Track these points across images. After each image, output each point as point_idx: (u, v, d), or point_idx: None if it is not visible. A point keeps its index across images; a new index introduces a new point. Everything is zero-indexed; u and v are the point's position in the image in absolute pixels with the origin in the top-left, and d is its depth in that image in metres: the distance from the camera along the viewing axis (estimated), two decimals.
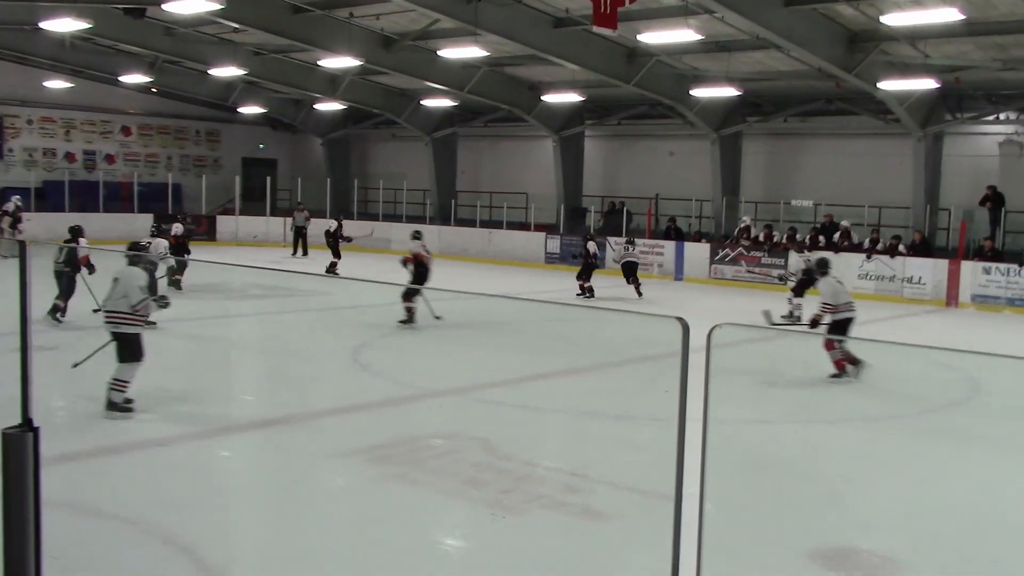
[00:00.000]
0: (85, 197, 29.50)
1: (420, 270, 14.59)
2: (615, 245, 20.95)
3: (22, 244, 2.85)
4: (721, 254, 23.42)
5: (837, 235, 22.21)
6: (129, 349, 8.48)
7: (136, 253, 10.14)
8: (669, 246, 24.42)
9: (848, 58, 18.79)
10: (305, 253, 27.13)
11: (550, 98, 25.48)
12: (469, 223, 29.24)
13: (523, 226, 27.99)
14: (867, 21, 17.49)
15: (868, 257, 20.98)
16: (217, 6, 17.33)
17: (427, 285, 14.41)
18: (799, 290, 16.42)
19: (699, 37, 18.29)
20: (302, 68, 27.06)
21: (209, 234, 29.95)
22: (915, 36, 17.69)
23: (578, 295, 19.12)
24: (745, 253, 23.00)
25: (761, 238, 23.22)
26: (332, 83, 28.36)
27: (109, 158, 32.73)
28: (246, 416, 9.16)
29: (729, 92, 21.87)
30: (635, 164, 28.56)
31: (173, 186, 31.81)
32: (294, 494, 6.70)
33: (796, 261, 17.46)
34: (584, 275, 19.47)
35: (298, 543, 5.78)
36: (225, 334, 14.17)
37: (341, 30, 21.69)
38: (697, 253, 23.88)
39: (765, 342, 13.80)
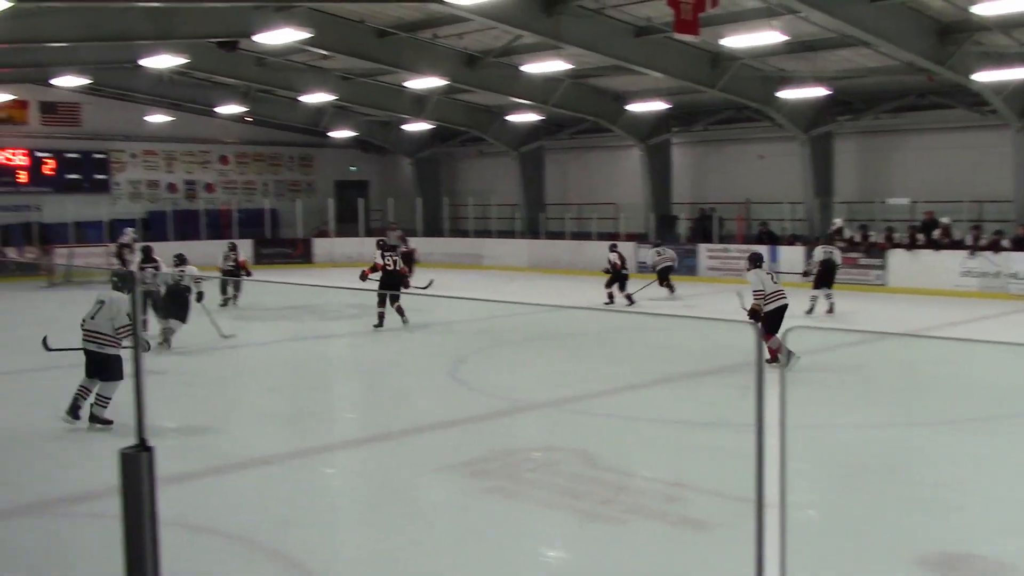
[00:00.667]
0: (187, 225, 30.56)
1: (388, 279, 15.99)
2: (650, 252, 21.03)
3: (132, 274, 3.00)
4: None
5: (937, 232, 21.60)
6: (111, 370, 8.90)
7: (119, 275, 10.52)
8: (762, 250, 24.03)
9: (939, 51, 18.30)
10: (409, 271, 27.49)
11: (635, 107, 25.42)
12: (558, 236, 29.32)
13: (613, 236, 27.93)
14: (957, 12, 17.03)
15: (971, 254, 20.35)
16: (305, 35, 17.81)
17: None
18: (818, 282, 17.63)
19: (784, 38, 18.04)
20: (389, 90, 27.55)
21: (305, 256, 30.68)
22: (1009, 25, 17.15)
23: (606, 303, 18.92)
24: (842, 255, 22.49)
25: (857, 239, 22.70)
26: (419, 103, 28.81)
27: (209, 187, 33.85)
28: (348, 433, 9.36)
29: (817, 92, 21.51)
30: (724, 169, 28.26)
31: (270, 211, 32.70)
32: (396, 509, 6.82)
33: (817, 252, 18.19)
34: (612, 283, 19.11)
35: (402, 557, 5.88)
36: (324, 353, 14.48)
37: (425, 51, 22.05)
38: (791, 257, 23.45)
39: (861, 345, 13.51)
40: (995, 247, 20.16)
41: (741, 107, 24.89)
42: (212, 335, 14.12)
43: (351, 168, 37.20)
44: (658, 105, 24.77)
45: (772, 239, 24.65)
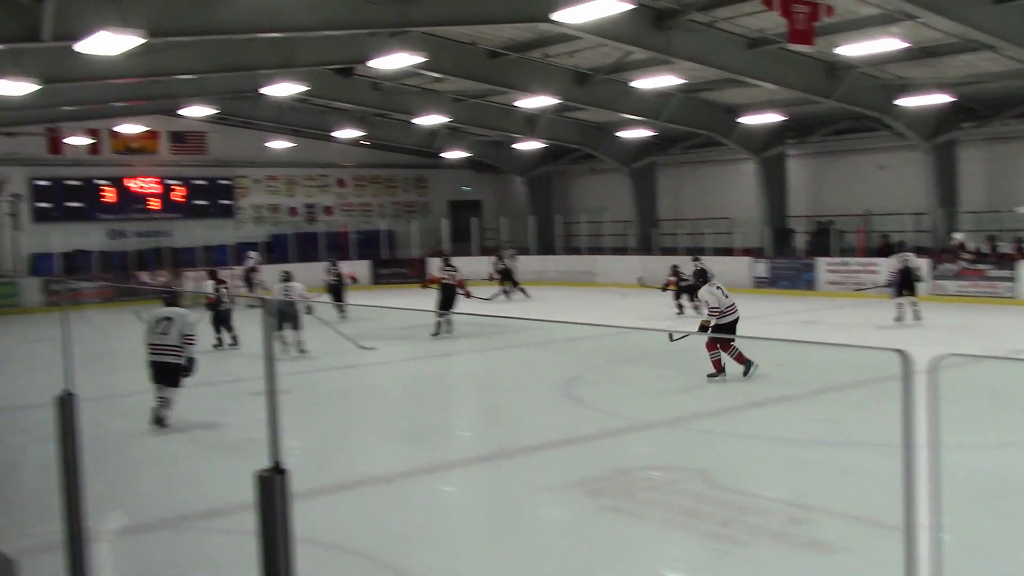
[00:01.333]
0: (307, 247, 31.46)
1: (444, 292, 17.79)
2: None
3: (262, 299, 3.13)
4: (941, 269, 22.19)
5: None
6: (175, 377, 10.27)
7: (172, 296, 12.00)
8: (884, 263, 23.37)
9: None
10: (522, 291, 27.74)
11: (748, 120, 25.06)
12: (672, 251, 29.07)
13: (728, 251, 27.58)
14: None
15: None
16: (419, 58, 18.17)
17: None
18: (899, 289, 17.97)
19: (903, 44, 17.53)
20: (501, 110, 27.86)
21: (420, 276, 31.14)
22: None
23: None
24: (968, 267, 21.70)
25: (984, 250, 21.84)
26: (530, 122, 29.04)
27: (327, 209, 34.80)
28: (465, 451, 9.48)
29: (940, 99, 20.82)
30: (841, 180, 27.58)
31: (386, 232, 33.38)
32: (514, 527, 6.87)
33: (891, 262, 18.78)
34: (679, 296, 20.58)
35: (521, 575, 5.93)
36: (441, 372, 14.69)
37: (536, 70, 22.24)
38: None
39: (996, 362, 12.97)
40: None
41: (859, 116, 24.27)
42: (333, 355, 14.50)
43: (464, 188, 37.70)
44: (772, 117, 24.37)
45: (893, 251, 23.90)
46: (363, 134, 30.93)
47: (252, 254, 26.71)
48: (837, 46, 17.93)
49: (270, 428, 3.17)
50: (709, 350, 12.26)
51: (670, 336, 13.01)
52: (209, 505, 7.51)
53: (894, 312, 17.87)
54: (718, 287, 12.68)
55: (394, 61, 18.61)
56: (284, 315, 14.99)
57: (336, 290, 22.50)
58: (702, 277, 13.20)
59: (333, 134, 30.68)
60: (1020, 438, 9.15)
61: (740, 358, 12.08)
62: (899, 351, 2.27)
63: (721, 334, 12.61)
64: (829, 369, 12.72)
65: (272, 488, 3.07)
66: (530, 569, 6.04)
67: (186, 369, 10.30)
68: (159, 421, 10.14)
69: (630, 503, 7.20)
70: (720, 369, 12.11)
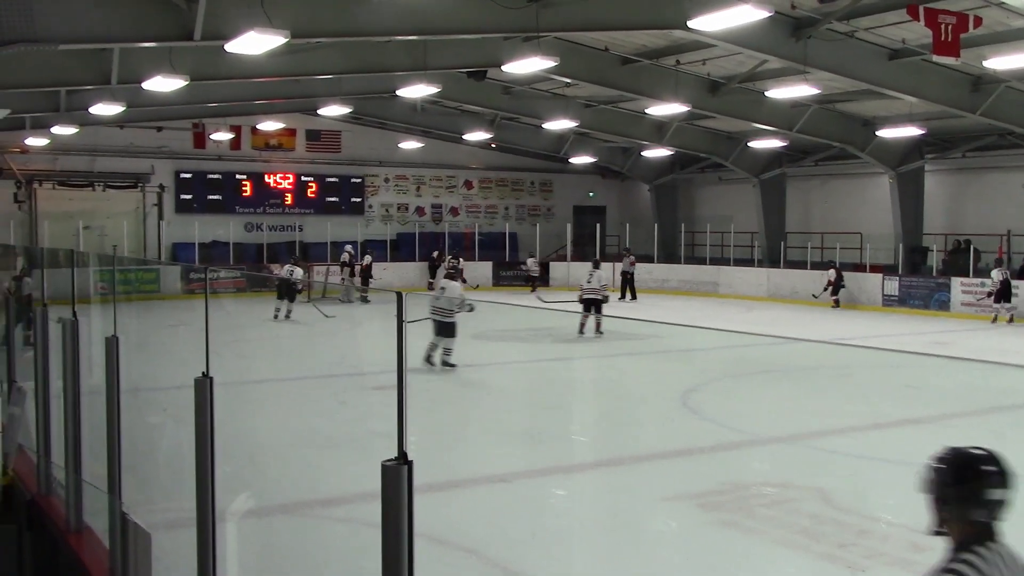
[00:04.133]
0: (432, 247, 32.00)
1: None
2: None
3: (399, 294, 3.22)
4: None
5: None
6: (451, 331, 13.82)
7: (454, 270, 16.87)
8: (1023, 286, 22.36)
9: None
10: (634, 297, 27.71)
11: (886, 133, 24.29)
12: (799, 265, 28.42)
13: (858, 267, 26.79)
14: None
15: None
16: (551, 63, 18.27)
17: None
18: (998, 298, 21.53)
19: None
20: (630, 117, 27.75)
21: (542, 280, 31.32)
22: None
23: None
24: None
25: None
26: (659, 130, 28.84)
27: (453, 210, 35.31)
28: (580, 456, 9.51)
29: None
30: (982, 198, 26.45)
31: (510, 235, 33.67)
32: (627, 535, 6.87)
33: (996, 273, 21.84)
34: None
35: None
36: (562, 376, 14.76)
37: (668, 78, 22.06)
38: None
39: None
40: None
41: (1004, 132, 23.25)
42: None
43: (590, 194, 37.69)
44: (911, 131, 23.55)
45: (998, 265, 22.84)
46: (491, 137, 31.27)
47: (348, 247, 27.95)
48: (984, 59, 17.23)
49: (399, 417, 3.29)
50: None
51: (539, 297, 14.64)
52: (328, 494, 7.75)
53: (991, 315, 21.67)
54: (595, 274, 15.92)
55: (526, 66, 18.75)
56: (283, 291, 20.45)
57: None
58: (597, 264, 17.08)
59: (463, 136, 31.12)
60: None
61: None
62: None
63: None
64: (960, 393, 12.25)
65: (397, 478, 3.16)
66: None
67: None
68: (445, 364, 13.68)
69: (744, 518, 7.11)
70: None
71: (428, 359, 13.82)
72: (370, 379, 12.43)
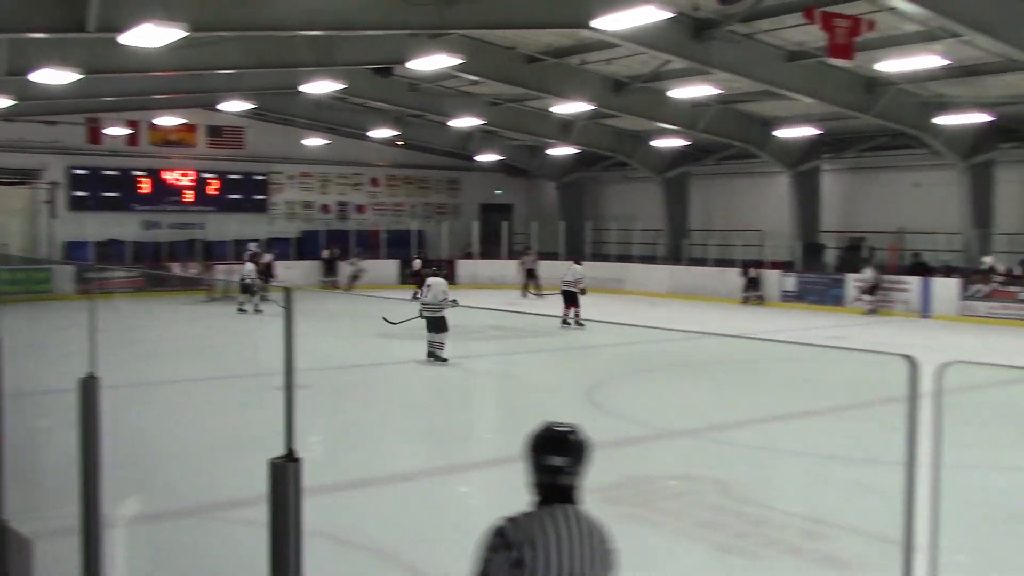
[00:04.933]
0: (337, 245, 31.60)
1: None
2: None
3: (287, 291, 3.16)
4: (972, 290, 21.94)
5: None
6: (440, 325, 14.06)
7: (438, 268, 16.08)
8: (914, 282, 23.17)
9: None
10: (539, 293, 27.89)
11: (784, 133, 24.94)
12: (701, 262, 28.96)
13: (758, 264, 27.42)
14: None
15: None
16: (458, 60, 18.24)
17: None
18: (868, 292, 23.20)
19: (944, 62, 17.40)
20: (536, 115, 27.89)
21: (449, 278, 31.20)
22: None
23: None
24: (1000, 289, 21.45)
25: (1017, 272, 21.58)
26: (565, 128, 29.05)
27: (360, 208, 34.98)
28: (484, 453, 9.49)
29: (979, 118, 20.61)
30: (876, 197, 27.34)
31: (417, 233, 33.52)
32: None
33: (868, 272, 23.07)
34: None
35: None
36: (463, 374, 14.72)
37: (573, 76, 22.25)
38: (945, 289, 22.49)
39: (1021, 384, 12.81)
40: None
41: (896, 133, 24.06)
42: (356, 352, 14.57)
43: (496, 192, 37.77)
44: (808, 131, 24.23)
45: (926, 270, 23.69)
46: (398, 134, 31.08)
47: (252, 245, 27.57)
48: (877, 62, 17.81)
49: (286, 415, 3.22)
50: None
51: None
52: (226, 496, 7.57)
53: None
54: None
55: (432, 63, 18.69)
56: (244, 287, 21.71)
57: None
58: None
59: (368, 133, 30.86)
60: None
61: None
62: (907, 357, 2.26)
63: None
64: (855, 384, 12.62)
65: (285, 476, 3.09)
66: None
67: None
68: (435, 357, 14.01)
69: (647, 511, 7.18)
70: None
71: (429, 355, 14.31)
72: (276, 379, 12.18)
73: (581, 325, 19.27)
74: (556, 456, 2.89)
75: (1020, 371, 6.55)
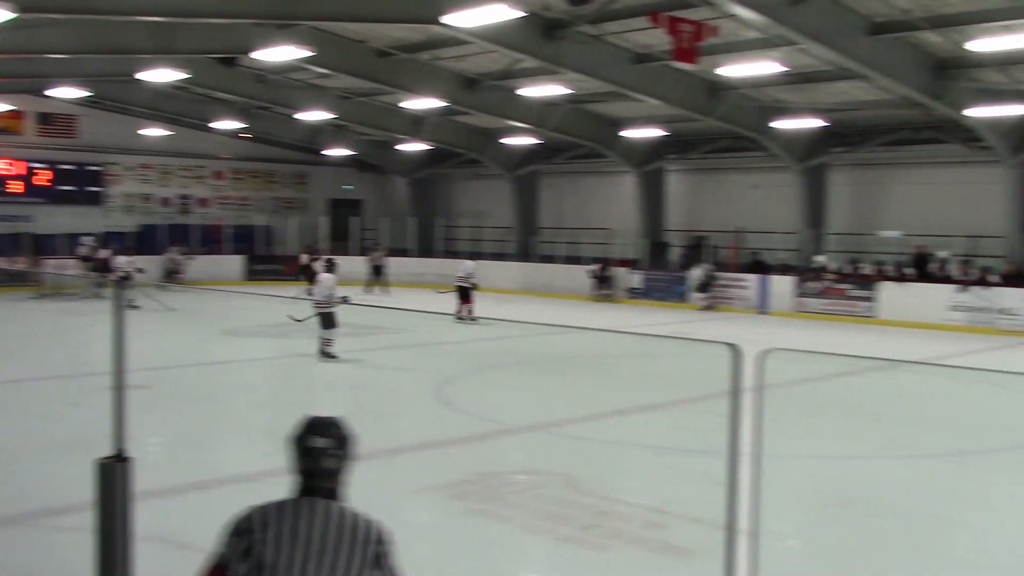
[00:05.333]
0: (180, 239, 30.50)
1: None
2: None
3: (116, 284, 3.00)
4: (806, 287, 23.04)
5: (935, 266, 21.75)
6: (330, 322, 14.03)
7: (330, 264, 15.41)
8: (753, 279, 24.15)
9: (935, 86, 18.44)
10: (386, 288, 27.80)
11: (631, 133, 25.54)
12: (551, 259, 29.36)
13: (605, 261, 27.99)
14: (954, 48, 17.17)
15: (961, 288, 20.40)
16: (306, 53, 17.88)
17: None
18: (700, 289, 24.07)
19: (782, 69, 18.18)
20: (387, 110, 27.65)
21: (296, 274, 30.60)
22: (1004, 62, 17.30)
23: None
24: (832, 286, 22.59)
25: (847, 271, 22.79)
26: (416, 124, 28.91)
27: (203, 202, 33.85)
28: None
29: (813, 123, 21.63)
30: (718, 197, 28.37)
31: (263, 228, 32.71)
32: None
33: (697, 271, 23.82)
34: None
35: None
36: (310, 371, 14.46)
37: (425, 72, 22.15)
38: (782, 286, 23.55)
39: (854, 376, 13.53)
40: (985, 282, 20.22)
41: (737, 136, 25.01)
42: (197, 351, 14.11)
43: (345, 187, 37.27)
44: (654, 132, 24.89)
45: (763, 268, 24.72)
46: (244, 126, 30.24)
47: (87, 239, 26.75)
48: (719, 66, 18.45)
49: (115, 414, 3.05)
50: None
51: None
52: (56, 502, 7.17)
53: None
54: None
55: (279, 54, 18.27)
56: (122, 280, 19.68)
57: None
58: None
59: (212, 125, 29.92)
60: (865, 449, 9.52)
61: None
62: (730, 344, 2.32)
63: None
64: (694, 377, 13.02)
65: (113, 476, 2.93)
66: None
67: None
68: (325, 356, 14.00)
69: (495, 506, 7.20)
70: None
71: (321, 352, 14.21)
72: (108, 379, 11.63)
73: (474, 320, 19.64)
74: (318, 438, 2.86)
75: (844, 360, 6.88)
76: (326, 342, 14.31)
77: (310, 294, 14.72)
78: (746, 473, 2.66)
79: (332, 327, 14.29)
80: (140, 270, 23.02)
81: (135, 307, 18.99)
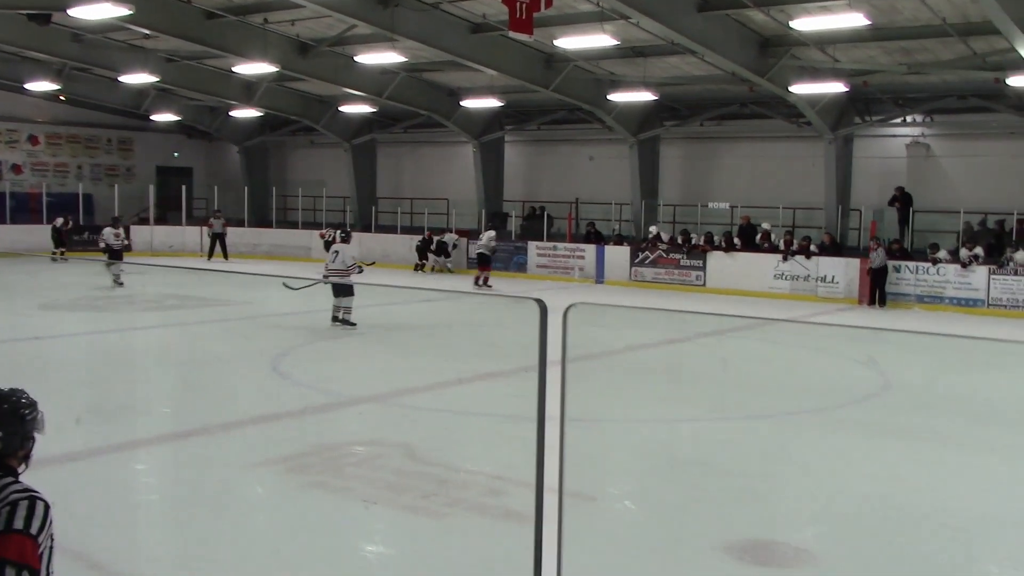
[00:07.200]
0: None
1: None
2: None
3: None
4: (640, 257, 23.69)
5: (759, 237, 22.68)
6: (346, 291, 14.24)
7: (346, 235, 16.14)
8: (590, 249, 24.64)
9: (761, 63, 19.18)
10: (225, 258, 26.98)
11: (469, 103, 25.52)
12: (390, 229, 29.11)
13: (444, 231, 27.97)
14: (778, 26, 17.89)
15: (784, 258, 21.41)
16: (125, 11, 16.95)
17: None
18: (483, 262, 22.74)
19: (615, 42, 18.52)
20: (217, 75, 26.64)
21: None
22: (824, 41, 18.16)
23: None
24: (664, 256, 23.31)
25: (680, 241, 23.56)
26: (248, 90, 27.98)
27: (16, 168, 31.80)
28: (162, 428, 8.96)
29: (646, 97, 22.16)
30: (555, 169, 28.74)
31: (84, 196, 31.04)
32: (211, 505, 6.57)
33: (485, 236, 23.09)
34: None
35: (216, 555, 5.67)
36: (139, 345, 13.86)
37: (256, 36, 21.40)
38: (617, 256, 24.12)
39: (683, 343, 14.02)
40: (806, 252, 21.29)
41: (573, 108, 25.37)
42: (13, 327, 13.33)
43: (174, 154, 35.79)
44: (492, 103, 24.94)
45: (599, 239, 25.25)
46: (60, 88, 28.51)
47: None
48: (555, 38, 18.61)
49: None
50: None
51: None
52: None
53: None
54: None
55: (97, 11, 17.28)
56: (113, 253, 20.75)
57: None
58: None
59: (26, 86, 28.08)
60: (694, 412, 9.88)
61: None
62: (537, 300, 2.35)
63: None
64: (530, 346, 13.17)
65: None
66: (226, 547, 5.79)
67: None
68: (344, 323, 14.19)
69: (333, 478, 7.09)
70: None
71: (334, 319, 14.34)
72: None
73: (490, 287, 21.55)
74: None
75: (674, 327, 7.08)
76: (345, 310, 14.49)
77: (329, 265, 15.03)
78: (572, 436, 2.69)
79: (349, 295, 14.49)
80: None
81: None
